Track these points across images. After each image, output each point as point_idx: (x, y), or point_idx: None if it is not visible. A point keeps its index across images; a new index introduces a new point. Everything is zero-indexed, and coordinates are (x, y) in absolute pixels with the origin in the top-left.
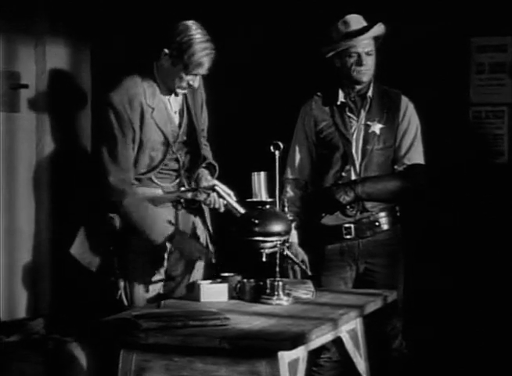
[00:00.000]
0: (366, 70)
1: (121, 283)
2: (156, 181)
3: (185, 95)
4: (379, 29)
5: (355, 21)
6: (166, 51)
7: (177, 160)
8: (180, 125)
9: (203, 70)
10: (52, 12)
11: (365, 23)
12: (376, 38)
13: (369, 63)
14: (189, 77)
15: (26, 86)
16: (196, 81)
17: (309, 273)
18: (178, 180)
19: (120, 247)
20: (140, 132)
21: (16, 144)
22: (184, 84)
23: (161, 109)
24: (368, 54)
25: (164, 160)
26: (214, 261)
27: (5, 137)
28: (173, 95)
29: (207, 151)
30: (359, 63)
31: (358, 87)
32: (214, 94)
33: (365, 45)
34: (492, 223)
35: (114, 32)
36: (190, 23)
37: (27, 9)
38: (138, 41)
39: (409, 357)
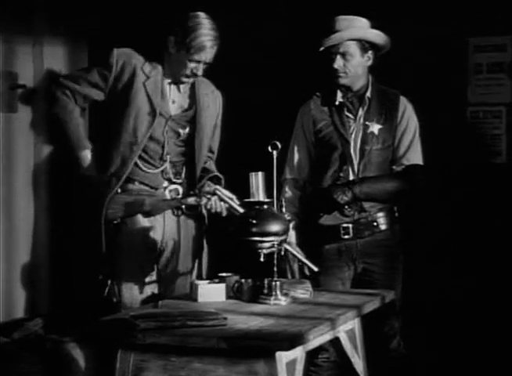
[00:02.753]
0: (340, 73)
1: (109, 281)
2: (140, 164)
3: (196, 105)
4: (348, 33)
5: (340, 22)
6: (171, 37)
7: (162, 146)
8: (186, 125)
9: (206, 57)
10: (50, 12)
11: (353, 26)
12: (361, 44)
13: (347, 65)
14: (192, 65)
15: (23, 86)
16: (200, 70)
17: (315, 269)
18: (162, 167)
19: (108, 245)
20: (127, 95)
21: (14, 144)
22: (188, 71)
23: (157, 82)
24: (344, 56)
25: (147, 133)
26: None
27: (3, 137)
28: (176, 86)
29: (211, 165)
30: (331, 63)
31: (353, 88)
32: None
33: (338, 45)
34: (491, 223)
35: (112, 32)
36: (200, 12)
37: (25, 9)
38: (136, 41)
39: (407, 357)
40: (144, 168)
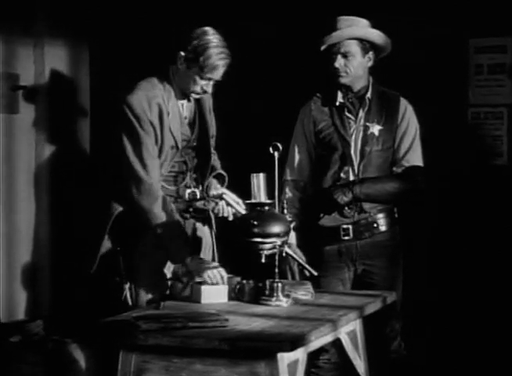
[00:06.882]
0: (341, 73)
1: (127, 285)
2: (162, 183)
3: (197, 101)
4: (349, 32)
5: (341, 22)
6: (182, 54)
7: (184, 162)
8: (192, 131)
9: (218, 75)
10: (50, 13)
11: (354, 25)
12: (363, 44)
13: (348, 65)
14: (203, 82)
15: (25, 87)
16: (210, 87)
17: (315, 273)
18: (184, 182)
19: (126, 247)
20: (160, 133)
21: (15, 145)
22: (198, 88)
23: (175, 114)
24: (345, 56)
25: (170, 164)
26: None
27: (4, 138)
28: (186, 100)
29: (215, 160)
30: (332, 62)
31: (354, 89)
32: (213, 94)
33: (340, 45)
34: (491, 225)
35: (113, 33)
36: (208, 28)
37: (26, 10)
38: (137, 42)
39: (408, 358)
40: (167, 186)
